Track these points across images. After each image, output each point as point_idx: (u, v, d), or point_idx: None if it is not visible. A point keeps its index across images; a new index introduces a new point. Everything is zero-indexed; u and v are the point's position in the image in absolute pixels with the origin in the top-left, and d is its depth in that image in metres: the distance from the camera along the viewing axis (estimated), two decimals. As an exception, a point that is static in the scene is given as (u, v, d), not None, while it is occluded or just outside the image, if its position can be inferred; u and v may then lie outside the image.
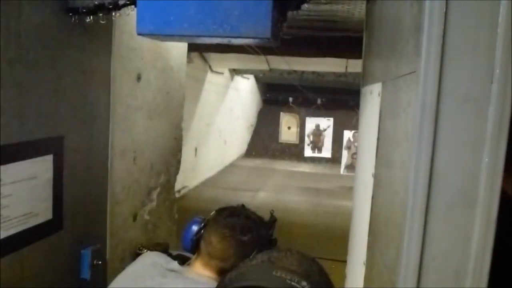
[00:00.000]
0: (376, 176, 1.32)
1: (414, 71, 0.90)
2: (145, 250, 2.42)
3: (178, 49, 2.69)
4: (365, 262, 1.36)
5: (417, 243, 0.83)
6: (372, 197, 1.35)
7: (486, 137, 0.83)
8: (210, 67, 8.38)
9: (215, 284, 1.30)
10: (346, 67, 7.19)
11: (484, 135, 0.83)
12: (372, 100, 1.52)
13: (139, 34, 1.48)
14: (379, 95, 1.37)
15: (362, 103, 1.82)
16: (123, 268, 2.29)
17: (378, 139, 1.33)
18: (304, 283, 0.71)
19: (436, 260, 0.84)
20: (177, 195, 4.07)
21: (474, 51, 0.83)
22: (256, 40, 1.52)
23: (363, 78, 1.95)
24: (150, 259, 1.43)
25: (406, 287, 0.86)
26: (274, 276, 0.72)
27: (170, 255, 2.54)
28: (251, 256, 1.31)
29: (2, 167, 1.46)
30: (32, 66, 1.55)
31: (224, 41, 1.53)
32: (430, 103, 0.84)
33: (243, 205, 1.51)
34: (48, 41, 1.61)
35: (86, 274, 1.92)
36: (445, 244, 0.84)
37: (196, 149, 8.24)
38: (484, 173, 0.83)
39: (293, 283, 0.71)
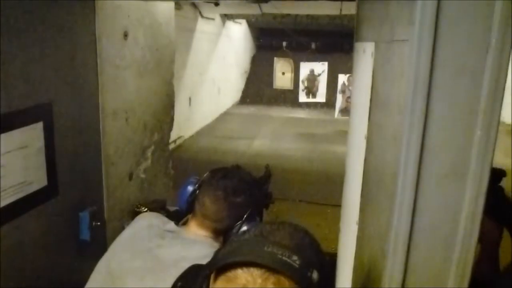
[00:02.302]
0: (368, 140, 1.32)
1: (407, 39, 0.87)
2: (143, 208, 2.46)
3: (165, 3, 2.59)
4: (357, 222, 1.38)
5: (407, 217, 0.84)
6: (365, 160, 1.35)
7: (479, 110, 0.82)
8: (200, 13, 8.12)
9: (211, 242, 1.34)
10: (341, 9, 6.96)
11: (478, 107, 0.82)
12: (365, 58, 1.48)
13: (122, -4, 1.41)
14: (372, 55, 1.34)
15: (355, 60, 1.78)
16: (123, 227, 2.34)
17: (370, 101, 1.32)
18: (294, 257, 0.73)
19: (425, 231, 0.86)
20: (172, 146, 4.09)
21: (470, 20, 0.80)
22: (245, -1, 1.46)
23: (357, 32, 1.89)
24: (147, 221, 1.45)
25: (395, 257, 0.88)
26: (265, 251, 0.73)
27: (167, 211, 2.59)
28: (243, 218, 1.33)
29: (-8, 138, 1.44)
30: (14, 33, 1.49)
31: (212, -1, 1.47)
32: (423, 75, 0.82)
33: (237, 166, 1.51)
34: (27, 5, 1.54)
35: (85, 235, 1.96)
36: (435, 216, 0.85)
37: (190, 99, 8.17)
38: (476, 146, 0.82)
39: (284, 257, 0.72)
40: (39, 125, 1.65)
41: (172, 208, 2.62)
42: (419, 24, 0.82)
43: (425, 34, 0.81)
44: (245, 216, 1.35)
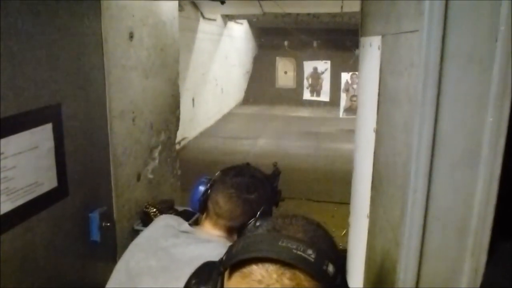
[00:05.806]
0: (377, 132, 1.32)
1: (417, 30, 0.88)
2: (151, 208, 2.47)
3: (169, 3, 2.60)
4: (368, 215, 1.39)
5: (421, 205, 0.85)
6: (374, 152, 1.36)
7: (490, 97, 0.82)
8: (202, 14, 8.13)
9: (224, 241, 1.34)
10: (342, 6, 6.97)
11: (488, 94, 0.82)
12: (372, 52, 1.49)
13: (128, -4, 1.42)
14: (378, 48, 1.34)
15: (362, 54, 1.79)
16: (132, 228, 2.36)
17: (379, 94, 1.32)
18: (309, 251, 0.72)
19: (439, 219, 0.86)
20: (177, 147, 4.11)
21: (478, 8, 0.80)
22: (251, -4, 1.46)
23: (362, 27, 1.90)
24: (164, 222, 1.46)
25: (410, 245, 0.88)
26: (280, 246, 0.72)
27: (176, 211, 2.60)
28: (257, 215, 1.33)
29: (3, 140, 1.45)
30: (22, 35, 1.50)
31: (217, -2, 1.48)
32: (433, 65, 0.82)
33: (248, 164, 1.52)
34: (35, 7, 1.55)
35: (96, 236, 1.97)
36: (448, 204, 0.85)
37: (193, 100, 8.18)
38: (487, 133, 0.83)
39: (298, 252, 0.71)
40: (48, 126, 1.66)
41: (180, 208, 2.64)
42: (429, 14, 0.82)
43: (434, 24, 0.82)
44: (258, 213, 1.35)
